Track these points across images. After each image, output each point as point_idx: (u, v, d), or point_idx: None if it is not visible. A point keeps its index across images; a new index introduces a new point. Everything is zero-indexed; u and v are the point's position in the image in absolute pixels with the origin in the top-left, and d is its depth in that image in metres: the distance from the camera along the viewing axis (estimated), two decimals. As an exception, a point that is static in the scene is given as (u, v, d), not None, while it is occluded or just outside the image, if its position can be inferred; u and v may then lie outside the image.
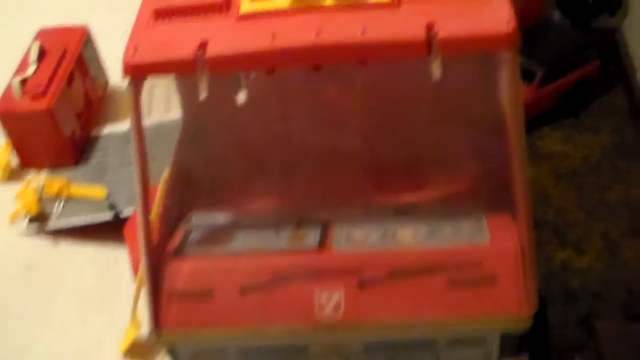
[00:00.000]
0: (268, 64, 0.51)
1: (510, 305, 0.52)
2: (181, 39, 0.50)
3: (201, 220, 0.61)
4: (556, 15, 2.63)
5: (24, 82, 0.88)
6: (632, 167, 2.34)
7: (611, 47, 2.63)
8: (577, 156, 2.38)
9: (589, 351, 1.79)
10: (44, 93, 0.88)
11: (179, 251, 0.57)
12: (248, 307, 0.54)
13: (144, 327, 0.74)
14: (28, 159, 0.93)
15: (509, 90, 0.51)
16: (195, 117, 0.68)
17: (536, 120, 2.39)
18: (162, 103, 0.93)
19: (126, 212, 0.83)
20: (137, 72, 0.51)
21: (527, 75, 2.33)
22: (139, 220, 0.54)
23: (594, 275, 2.06)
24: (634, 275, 2.06)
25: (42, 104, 0.87)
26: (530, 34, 2.40)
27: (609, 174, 2.33)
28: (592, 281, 2.05)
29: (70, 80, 0.92)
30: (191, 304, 0.54)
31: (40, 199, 0.88)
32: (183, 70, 0.50)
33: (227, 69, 0.50)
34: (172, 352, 0.57)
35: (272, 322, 0.54)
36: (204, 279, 0.55)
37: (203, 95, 0.49)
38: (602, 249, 2.12)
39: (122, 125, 0.96)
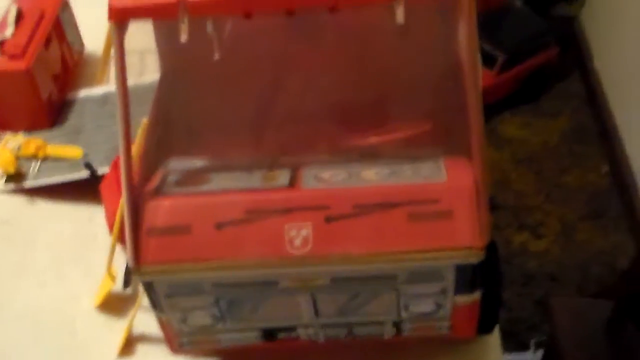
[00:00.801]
0: (244, 8, 0.52)
1: (465, 237, 0.56)
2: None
3: (179, 164, 0.64)
4: (517, 2, 2.65)
5: (2, 43, 0.90)
6: (588, 151, 2.37)
7: (569, 34, 2.66)
8: (536, 141, 2.40)
9: (545, 332, 1.82)
10: (22, 54, 0.89)
11: (158, 191, 0.59)
12: (223, 241, 0.56)
13: (119, 280, 0.77)
14: (5, 120, 0.94)
15: (465, 38, 0.54)
16: (174, 70, 0.70)
17: (497, 105, 2.42)
18: (137, 69, 0.94)
19: (101, 170, 0.84)
20: (122, 16, 0.53)
21: (488, 61, 2.35)
22: (122, 160, 0.57)
23: (550, 258, 2.10)
24: (588, 258, 2.09)
25: (21, 65, 0.88)
26: (492, 20, 2.43)
27: (567, 158, 2.36)
28: (549, 264, 2.09)
29: (47, 43, 0.93)
30: (169, 239, 0.57)
31: (17, 159, 0.89)
32: (165, 14, 0.52)
33: (207, 12, 0.53)
34: (149, 288, 0.60)
35: (245, 255, 0.56)
36: (181, 215, 0.57)
37: (184, 38, 0.51)
38: (558, 233, 2.16)
39: (98, 90, 0.98)
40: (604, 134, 2.36)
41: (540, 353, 1.82)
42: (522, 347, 1.88)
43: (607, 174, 2.30)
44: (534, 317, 1.94)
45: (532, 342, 1.87)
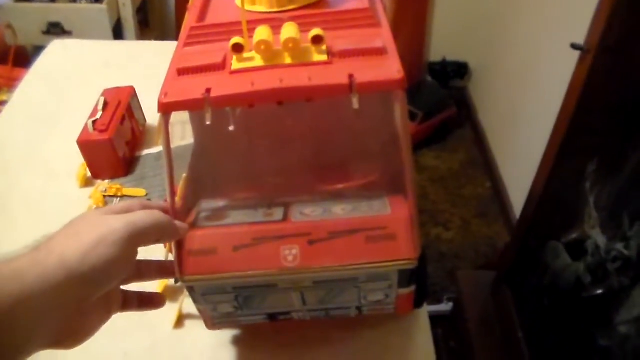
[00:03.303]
0: (249, 102, 0.50)
1: (404, 252, 0.53)
2: (195, 87, 0.50)
3: (207, 205, 0.60)
4: (428, 78, 2.67)
5: (94, 122, 0.89)
6: (477, 173, 2.39)
7: (462, 99, 2.69)
8: (444, 168, 2.41)
9: (453, 292, 1.81)
10: (106, 129, 0.88)
11: (194, 224, 0.56)
12: (238, 259, 0.53)
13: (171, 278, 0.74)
14: (96, 172, 0.92)
15: (400, 118, 0.51)
16: (203, 140, 0.68)
17: (418, 145, 2.45)
18: (179, 135, 0.93)
19: (159, 204, 0.82)
20: (167, 109, 0.51)
21: (412, 116, 2.38)
22: (170, 203, 0.54)
23: (455, 243, 2.10)
24: (478, 242, 2.10)
25: (106, 136, 0.87)
26: (413, 90, 2.46)
27: (464, 178, 2.37)
28: (454, 247, 2.09)
29: (122, 120, 0.92)
30: (202, 258, 0.54)
31: (104, 197, 0.87)
32: (196, 107, 0.49)
33: (224, 105, 0.50)
34: (190, 289, 0.57)
35: (254, 268, 0.53)
36: (209, 241, 0.54)
37: (208, 122, 0.48)
38: (460, 226, 2.16)
39: (155, 149, 0.96)
40: (486, 163, 2.37)
41: (450, 305, 1.81)
42: (437, 301, 1.86)
43: (490, 188, 2.29)
44: (445, 282, 1.93)
45: (445, 298, 1.86)
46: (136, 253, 0.47)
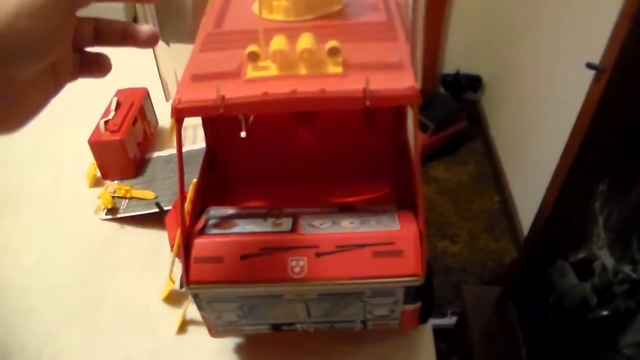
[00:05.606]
0: (262, 110, 0.50)
1: (411, 268, 0.52)
2: (208, 93, 0.50)
3: (216, 212, 0.60)
4: (441, 90, 2.67)
5: (106, 122, 0.89)
6: (487, 187, 2.38)
7: (475, 112, 2.68)
8: (454, 180, 2.41)
9: (457, 306, 1.81)
10: (118, 130, 0.88)
11: (202, 231, 0.56)
12: (245, 268, 0.53)
13: (177, 283, 0.74)
14: (106, 172, 0.92)
15: (412, 134, 0.51)
16: (214, 146, 0.67)
17: (428, 157, 2.44)
18: (190, 138, 0.93)
19: (166, 207, 0.82)
20: (181, 114, 0.50)
21: (423, 128, 2.38)
22: (179, 209, 0.54)
23: (461, 257, 2.09)
24: (485, 257, 2.09)
25: (117, 137, 0.87)
26: (426, 102, 2.47)
27: (473, 192, 2.36)
28: (460, 260, 2.08)
29: (134, 122, 0.92)
30: (209, 265, 0.53)
31: (113, 198, 0.87)
32: (209, 113, 0.49)
33: (237, 112, 0.50)
34: (195, 297, 0.57)
35: (261, 278, 0.53)
36: (217, 250, 0.54)
37: (223, 128, 0.48)
38: (467, 240, 2.15)
39: (166, 152, 0.95)
40: (496, 177, 2.36)
41: (454, 319, 1.80)
42: (442, 315, 1.85)
43: (498, 202, 2.29)
44: (450, 295, 1.92)
45: (449, 312, 1.85)
46: (73, 20, 0.40)
